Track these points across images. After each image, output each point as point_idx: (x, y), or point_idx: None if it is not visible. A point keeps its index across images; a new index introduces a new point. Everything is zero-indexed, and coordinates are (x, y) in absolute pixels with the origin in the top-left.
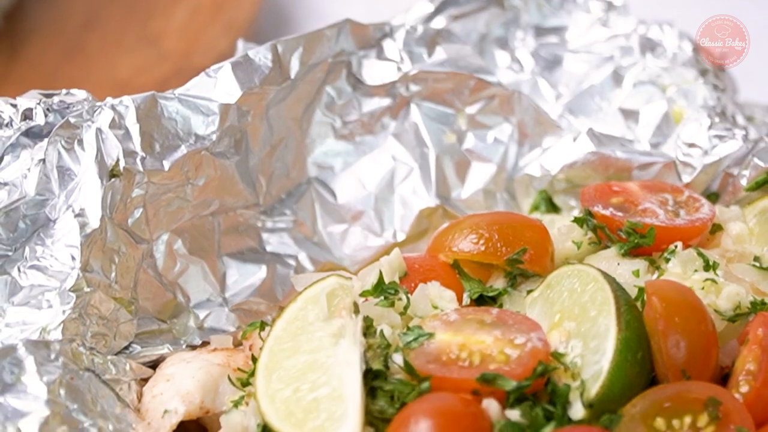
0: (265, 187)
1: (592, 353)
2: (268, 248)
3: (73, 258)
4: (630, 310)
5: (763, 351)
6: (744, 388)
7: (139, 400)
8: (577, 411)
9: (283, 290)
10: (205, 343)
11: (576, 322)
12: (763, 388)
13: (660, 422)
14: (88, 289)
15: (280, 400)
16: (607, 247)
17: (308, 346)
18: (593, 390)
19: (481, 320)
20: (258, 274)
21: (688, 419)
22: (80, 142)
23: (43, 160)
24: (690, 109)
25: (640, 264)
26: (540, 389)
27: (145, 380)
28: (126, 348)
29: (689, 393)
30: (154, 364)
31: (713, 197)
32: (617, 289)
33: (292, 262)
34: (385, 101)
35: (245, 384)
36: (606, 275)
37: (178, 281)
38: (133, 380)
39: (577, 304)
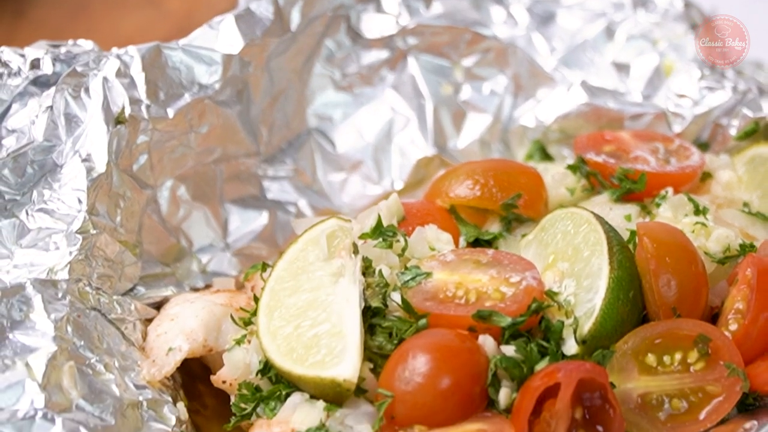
0: (266, 137)
1: (585, 292)
2: (269, 195)
3: (80, 201)
4: (622, 250)
5: (751, 290)
6: (733, 326)
7: (144, 339)
8: (571, 347)
9: (284, 236)
10: (207, 286)
11: (569, 263)
12: (752, 325)
13: (651, 358)
14: (94, 232)
15: (282, 336)
16: (599, 193)
17: (309, 284)
18: (586, 327)
19: (477, 260)
20: (259, 220)
21: (678, 355)
22: (87, 90)
23: (51, 108)
24: (680, 62)
25: (631, 209)
26: (534, 326)
27: (150, 320)
28: (131, 290)
29: (680, 330)
30: (158, 306)
31: (703, 147)
32: (609, 230)
33: (292, 209)
34: (384, 54)
35: (247, 323)
36: (598, 217)
37: (181, 226)
38: (138, 320)
39: (570, 245)
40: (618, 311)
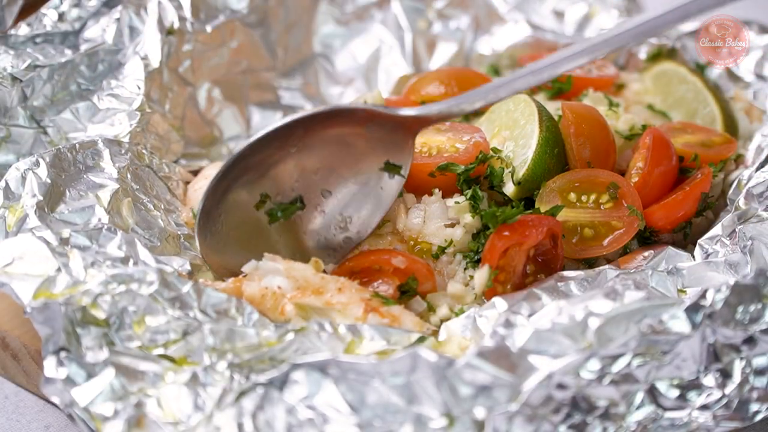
0: (281, 56)
1: (521, 149)
2: (283, 102)
3: (139, 88)
4: (550, 119)
5: (648, 151)
6: (635, 179)
7: (185, 196)
8: (509, 188)
9: None
10: None
11: (509, 130)
12: (648, 177)
13: (572, 196)
14: (149, 110)
15: None
16: (537, 94)
17: None
18: (521, 172)
19: (437, 128)
20: (275, 117)
21: (593, 196)
22: (145, 8)
23: (118, 20)
24: (602, 6)
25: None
26: (482, 174)
27: (188, 183)
28: (175, 161)
29: (597, 177)
30: (195, 173)
31: (620, 68)
32: (540, 106)
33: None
34: None
35: None
36: (533, 98)
37: (215, 120)
38: (180, 180)
39: (510, 118)
40: (545, 162)
